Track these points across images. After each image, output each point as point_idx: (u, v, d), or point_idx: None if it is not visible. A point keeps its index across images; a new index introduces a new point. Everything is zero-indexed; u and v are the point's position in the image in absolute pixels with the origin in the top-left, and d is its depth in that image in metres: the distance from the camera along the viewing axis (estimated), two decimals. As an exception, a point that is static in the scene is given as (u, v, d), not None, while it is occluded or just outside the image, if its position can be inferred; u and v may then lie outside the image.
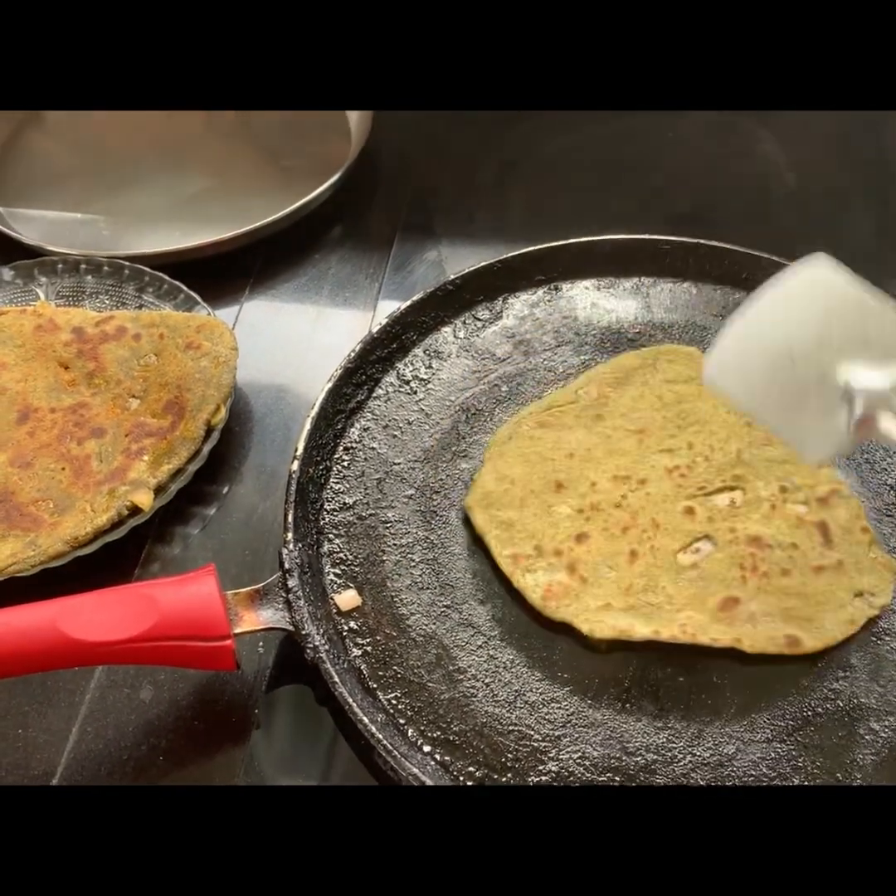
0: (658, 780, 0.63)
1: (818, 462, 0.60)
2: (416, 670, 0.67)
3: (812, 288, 0.60)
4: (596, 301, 0.89)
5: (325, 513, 0.75)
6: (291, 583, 0.67)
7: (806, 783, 0.63)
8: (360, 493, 0.76)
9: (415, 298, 0.85)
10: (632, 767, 0.63)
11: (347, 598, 0.70)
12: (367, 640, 0.69)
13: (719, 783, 0.63)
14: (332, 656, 0.65)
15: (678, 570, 0.70)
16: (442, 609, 0.70)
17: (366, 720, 0.62)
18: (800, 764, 0.64)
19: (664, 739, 0.65)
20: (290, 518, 0.71)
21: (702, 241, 0.90)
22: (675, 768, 0.63)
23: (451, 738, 0.64)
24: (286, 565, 0.68)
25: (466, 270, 0.88)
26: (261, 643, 0.70)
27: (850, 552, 0.69)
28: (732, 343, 0.62)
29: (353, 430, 0.80)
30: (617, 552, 0.71)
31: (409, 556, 0.73)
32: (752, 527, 0.72)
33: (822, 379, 0.58)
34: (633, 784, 0.62)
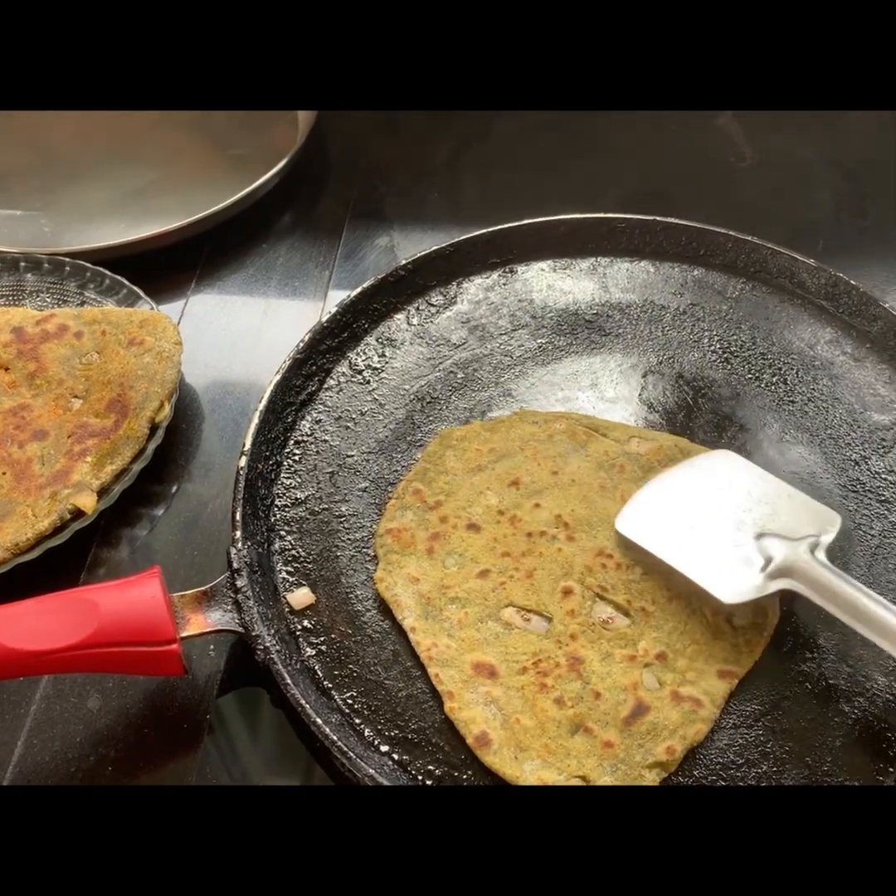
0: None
1: (735, 602, 0.65)
2: (372, 668, 0.65)
3: (729, 468, 0.73)
4: (552, 283, 0.87)
5: (275, 509, 0.72)
6: (240, 583, 0.65)
7: (774, 769, 0.61)
8: (313, 487, 0.74)
9: (365, 285, 0.83)
10: (596, 759, 0.61)
11: (300, 597, 0.68)
12: (322, 638, 0.66)
13: (687, 770, 0.61)
14: (284, 657, 0.63)
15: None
16: (398, 604, 0.68)
17: (320, 722, 0.60)
18: (768, 749, 0.62)
19: (629, 729, 0.63)
20: (238, 516, 0.68)
21: (658, 218, 0.88)
22: (641, 758, 0.62)
23: (410, 736, 0.62)
24: (234, 565, 0.65)
25: (418, 255, 0.85)
26: (212, 646, 0.68)
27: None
28: (646, 501, 0.71)
29: (304, 422, 0.78)
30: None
31: (364, 550, 0.71)
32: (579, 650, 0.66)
33: (736, 539, 0.68)
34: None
